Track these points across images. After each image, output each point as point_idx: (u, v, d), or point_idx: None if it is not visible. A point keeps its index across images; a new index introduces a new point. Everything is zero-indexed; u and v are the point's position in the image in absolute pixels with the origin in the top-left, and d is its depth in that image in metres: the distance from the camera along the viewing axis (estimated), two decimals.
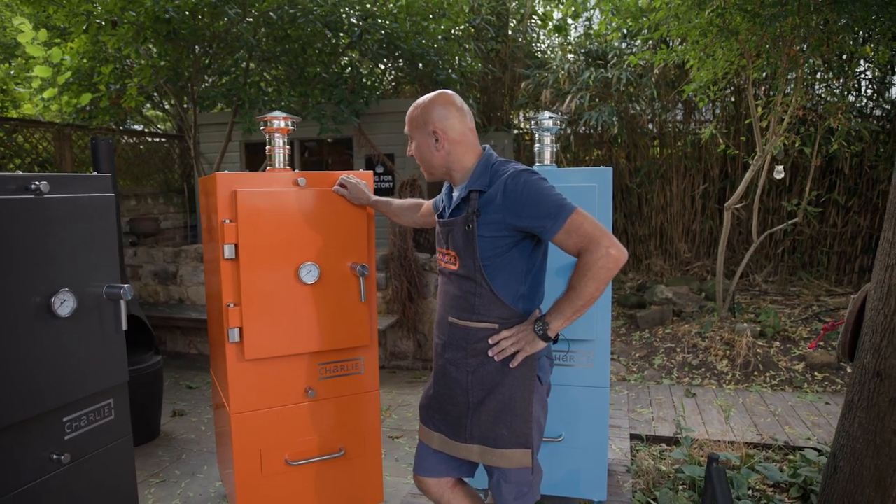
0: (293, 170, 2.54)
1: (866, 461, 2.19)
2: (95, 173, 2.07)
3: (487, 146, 1.86)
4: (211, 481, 3.22)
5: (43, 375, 1.83)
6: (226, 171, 2.38)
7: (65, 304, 1.86)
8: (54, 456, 1.90)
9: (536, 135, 2.91)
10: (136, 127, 8.22)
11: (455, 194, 1.86)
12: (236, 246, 2.29)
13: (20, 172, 1.86)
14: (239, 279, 2.30)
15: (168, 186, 7.49)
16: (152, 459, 3.50)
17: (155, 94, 6.53)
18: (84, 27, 5.07)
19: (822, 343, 5.02)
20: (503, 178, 1.70)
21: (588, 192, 2.57)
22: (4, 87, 6.58)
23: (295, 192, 2.37)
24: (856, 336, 2.33)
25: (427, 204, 2.26)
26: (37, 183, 1.79)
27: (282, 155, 2.58)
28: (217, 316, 2.56)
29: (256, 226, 2.31)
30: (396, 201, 2.40)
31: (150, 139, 7.65)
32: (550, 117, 2.86)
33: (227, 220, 2.29)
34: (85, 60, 5.66)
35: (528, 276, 1.77)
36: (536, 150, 2.92)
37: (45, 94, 5.63)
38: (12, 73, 7.19)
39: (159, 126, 8.91)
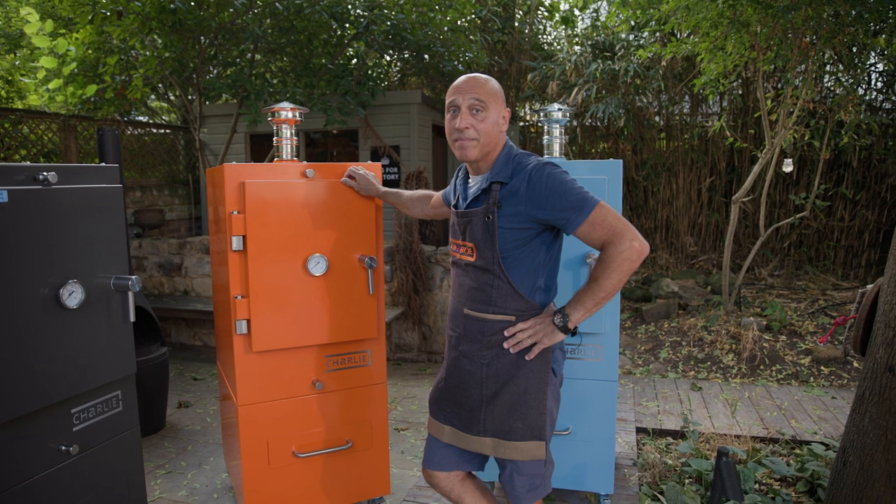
0: (300, 161, 2.53)
1: (877, 456, 2.18)
2: (103, 164, 2.06)
3: (507, 138, 1.84)
4: (217, 473, 3.22)
5: (51, 367, 1.83)
6: (233, 163, 2.36)
7: (73, 295, 1.85)
8: (63, 447, 1.91)
9: (545, 126, 2.88)
10: (140, 118, 8.20)
11: (474, 185, 1.83)
12: (244, 237, 2.28)
13: (28, 163, 1.85)
14: (247, 271, 2.29)
15: (173, 178, 7.49)
16: (158, 451, 3.50)
17: (160, 85, 6.51)
18: (89, 18, 5.05)
19: (832, 338, 4.98)
20: (527, 170, 1.70)
21: (598, 185, 2.55)
22: (10, 78, 6.57)
23: (303, 184, 2.36)
24: (867, 331, 2.31)
25: (437, 195, 2.24)
26: (45, 174, 1.78)
27: (289, 146, 2.56)
28: (224, 308, 2.56)
29: (264, 217, 2.29)
30: (406, 193, 2.38)
31: (154, 131, 7.64)
32: (559, 109, 2.84)
33: (236, 212, 2.28)
34: (90, 51, 5.64)
35: (545, 269, 1.77)
36: (545, 141, 2.89)
37: (51, 86, 5.63)
38: (17, 63, 7.18)
39: (164, 117, 8.90)
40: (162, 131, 7.75)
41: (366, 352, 2.60)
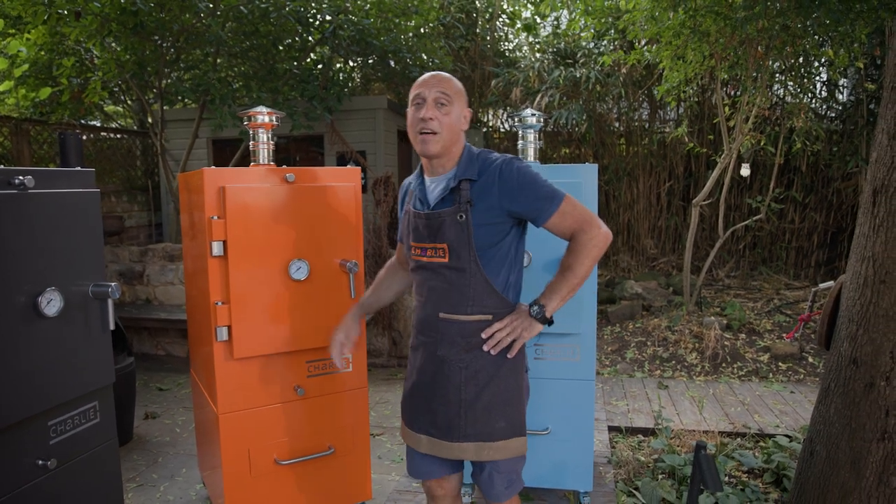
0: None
1: (842, 444, 2.29)
2: (79, 168, 2.01)
3: (464, 139, 1.84)
4: (191, 484, 3.14)
5: (30, 378, 1.77)
6: (213, 167, 2.33)
7: (51, 303, 1.79)
8: (40, 461, 1.84)
9: (520, 132, 2.93)
10: (94, 123, 7.94)
11: (435, 185, 1.80)
12: (225, 243, 2.25)
13: (3, 166, 1.79)
14: (227, 276, 2.26)
15: (131, 184, 7.27)
16: (128, 463, 3.40)
17: (116, 88, 6.32)
18: (45, 18, 4.87)
19: (798, 334, 5.18)
20: (497, 165, 1.72)
21: (574, 188, 2.58)
22: None
23: (284, 189, 2.34)
24: (832, 326, 2.43)
25: (399, 249, 2.09)
26: (21, 177, 1.73)
27: (266, 151, 2.53)
28: (201, 315, 2.51)
29: (245, 222, 2.27)
30: (378, 279, 2.15)
31: (110, 135, 7.41)
32: (533, 114, 2.89)
33: (216, 217, 2.24)
34: (42, 52, 5.44)
35: (515, 265, 1.80)
36: (520, 146, 2.94)
37: (1, 88, 5.40)
38: None
39: (119, 122, 8.64)
40: (118, 136, 7.52)
41: (346, 356, 2.59)
